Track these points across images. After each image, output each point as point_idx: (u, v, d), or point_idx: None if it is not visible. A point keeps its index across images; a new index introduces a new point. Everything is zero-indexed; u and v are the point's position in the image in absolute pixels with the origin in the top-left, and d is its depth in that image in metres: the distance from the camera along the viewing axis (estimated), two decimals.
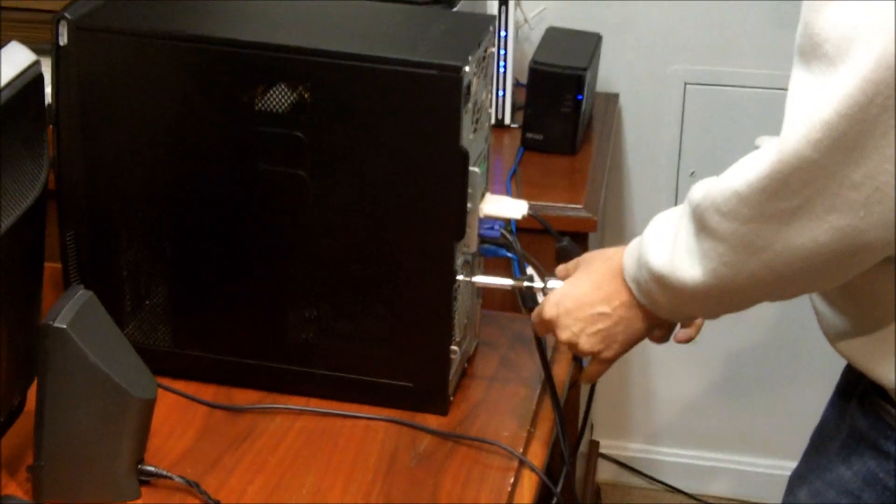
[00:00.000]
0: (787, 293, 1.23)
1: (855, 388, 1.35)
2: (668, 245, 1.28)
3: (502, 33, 2.33)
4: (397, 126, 1.41)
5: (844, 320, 1.30)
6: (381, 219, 1.45)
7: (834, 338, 1.32)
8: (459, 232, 1.45)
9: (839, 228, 1.11)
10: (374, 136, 1.42)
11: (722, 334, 2.68)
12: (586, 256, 1.46)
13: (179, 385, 1.54)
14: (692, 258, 1.24)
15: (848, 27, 1.06)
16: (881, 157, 1.07)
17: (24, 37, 2.54)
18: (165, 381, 1.52)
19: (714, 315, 1.34)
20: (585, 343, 1.41)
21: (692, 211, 1.23)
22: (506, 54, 2.34)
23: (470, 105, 1.43)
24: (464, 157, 1.41)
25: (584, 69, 2.25)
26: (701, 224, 1.21)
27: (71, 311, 1.29)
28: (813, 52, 1.09)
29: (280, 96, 1.43)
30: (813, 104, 1.08)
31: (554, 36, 2.41)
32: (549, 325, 1.44)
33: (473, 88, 1.43)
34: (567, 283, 1.44)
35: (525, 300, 1.54)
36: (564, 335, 1.42)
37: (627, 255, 1.37)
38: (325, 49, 1.42)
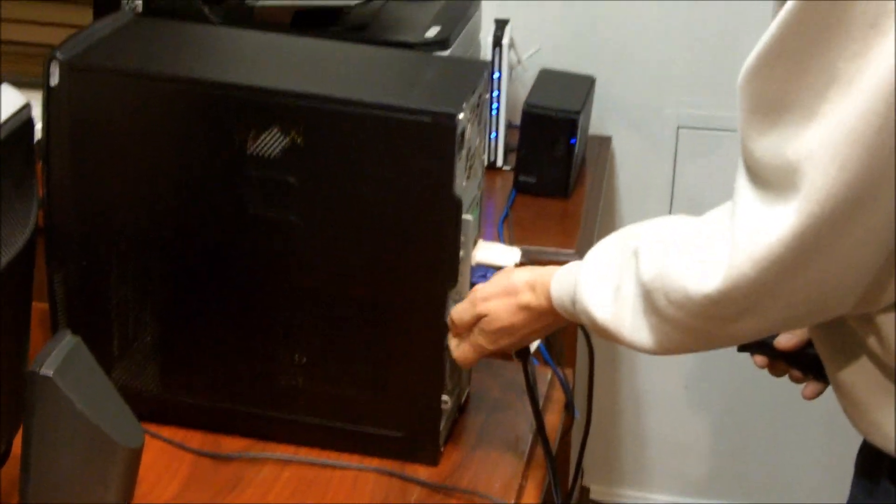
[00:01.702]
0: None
1: (879, 465, 1.30)
2: (609, 297, 1.28)
3: (495, 74, 2.33)
4: (390, 172, 1.40)
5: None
6: (372, 265, 1.44)
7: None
8: (452, 279, 1.43)
9: (783, 320, 1.17)
10: (367, 182, 1.41)
11: (716, 376, 2.67)
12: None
13: (166, 431, 1.52)
14: (638, 326, 1.25)
15: (787, 158, 1.07)
16: (825, 263, 1.09)
17: (19, 69, 2.56)
18: (152, 427, 1.50)
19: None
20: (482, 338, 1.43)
21: (641, 287, 1.23)
22: (499, 95, 2.34)
23: (464, 152, 1.42)
24: (457, 205, 1.40)
25: (578, 112, 2.24)
26: (649, 301, 1.22)
27: (57, 357, 1.27)
28: (755, 174, 1.11)
29: (272, 140, 1.42)
30: (759, 228, 1.10)
31: (547, 78, 2.40)
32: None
33: (467, 135, 1.42)
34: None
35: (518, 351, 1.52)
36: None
37: (557, 284, 1.36)
38: (319, 94, 1.41)
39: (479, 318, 1.42)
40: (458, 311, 1.44)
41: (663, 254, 1.21)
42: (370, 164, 1.40)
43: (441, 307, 1.44)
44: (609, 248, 1.33)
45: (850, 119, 1.03)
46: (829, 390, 1.33)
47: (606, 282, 1.29)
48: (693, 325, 1.19)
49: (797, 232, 1.07)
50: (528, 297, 1.38)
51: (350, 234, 1.43)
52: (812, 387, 1.44)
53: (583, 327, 1.39)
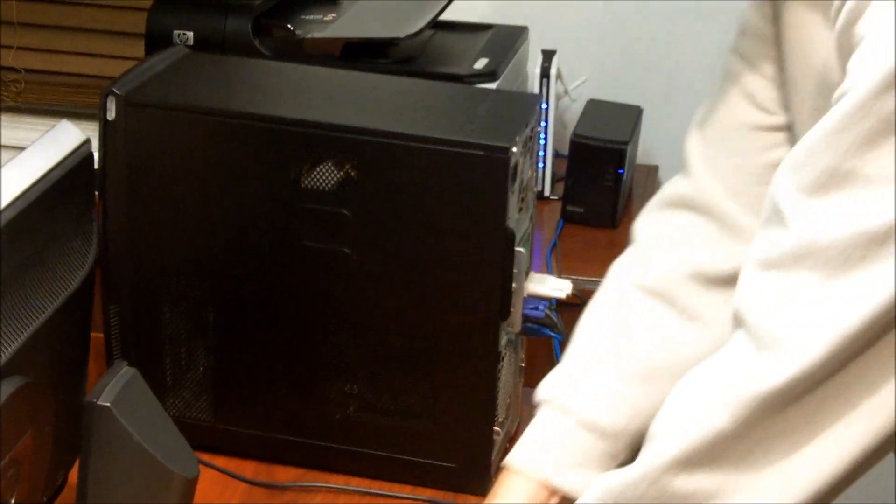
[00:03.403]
0: None
1: None
2: None
3: (543, 105, 2.34)
4: (443, 205, 1.41)
5: None
6: (425, 296, 1.45)
7: None
8: (504, 312, 1.44)
9: None
10: (420, 215, 1.42)
11: None
12: None
13: (219, 460, 1.53)
14: None
15: (773, 312, 1.06)
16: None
17: (73, 101, 2.59)
18: (205, 457, 1.51)
19: None
20: None
21: None
22: (546, 126, 2.35)
23: (516, 185, 1.43)
24: (510, 238, 1.41)
25: (626, 143, 2.25)
26: None
27: (115, 388, 1.28)
28: (739, 322, 1.10)
29: (327, 173, 1.44)
30: (739, 382, 1.08)
31: (595, 108, 2.41)
32: None
33: (520, 168, 1.43)
34: None
35: None
36: None
37: None
38: (373, 128, 1.42)
39: None
40: None
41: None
42: (423, 197, 1.41)
43: (493, 339, 1.45)
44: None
45: None
46: None
47: None
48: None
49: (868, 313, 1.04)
50: None
51: (403, 265, 1.44)
52: None
53: None
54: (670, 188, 1.47)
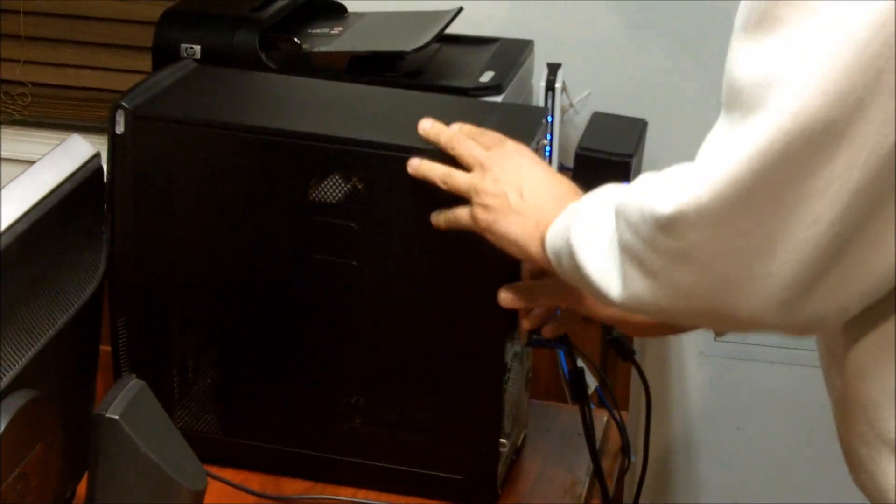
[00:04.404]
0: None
1: None
2: (592, 241, 1.21)
3: (548, 118, 2.34)
4: None
5: None
6: (433, 309, 1.46)
7: None
8: (511, 326, 1.45)
9: (723, 276, 1.06)
10: (428, 227, 1.42)
11: (768, 418, 2.66)
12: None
13: (227, 473, 1.54)
14: (606, 267, 1.17)
15: (764, 72, 1.00)
16: (773, 208, 1.02)
17: (81, 114, 2.60)
18: (212, 469, 1.51)
19: None
20: (487, 197, 1.35)
21: (613, 219, 1.16)
22: (551, 139, 2.35)
23: None
24: None
25: (631, 155, 2.25)
26: (617, 234, 1.14)
27: (123, 401, 1.29)
28: (734, 101, 1.04)
29: (334, 186, 1.44)
30: (725, 152, 1.02)
31: (600, 121, 2.42)
32: (479, 158, 1.37)
33: None
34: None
35: (575, 388, 1.53)
36: (485, 176, 1.35)
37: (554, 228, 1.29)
38: (382, 141, 1.42)
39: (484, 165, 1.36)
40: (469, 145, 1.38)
41: (638, 182, 1.15)
42: (432, 210, 1.41)
43: (500, 353, 1.46)
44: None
45: (821, 33, 0.97)
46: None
47: (596, 218, 1.22)
48: (646, 260, 1.10)
49: (756, 152, 0.99)
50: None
51: (411, 278, 1.45)
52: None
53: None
54: None
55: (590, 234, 1.21)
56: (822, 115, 0.98)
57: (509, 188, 1.34)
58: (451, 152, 1.38)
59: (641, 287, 1.12)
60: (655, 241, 1.08)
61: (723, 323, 1.15)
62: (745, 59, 1.02)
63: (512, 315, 1.44)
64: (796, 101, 0.98)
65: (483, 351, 1.46)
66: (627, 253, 1.12)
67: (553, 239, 1.28)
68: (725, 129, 1.04)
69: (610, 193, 1.25)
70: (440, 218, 1.40)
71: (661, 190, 1.08)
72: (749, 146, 1.00)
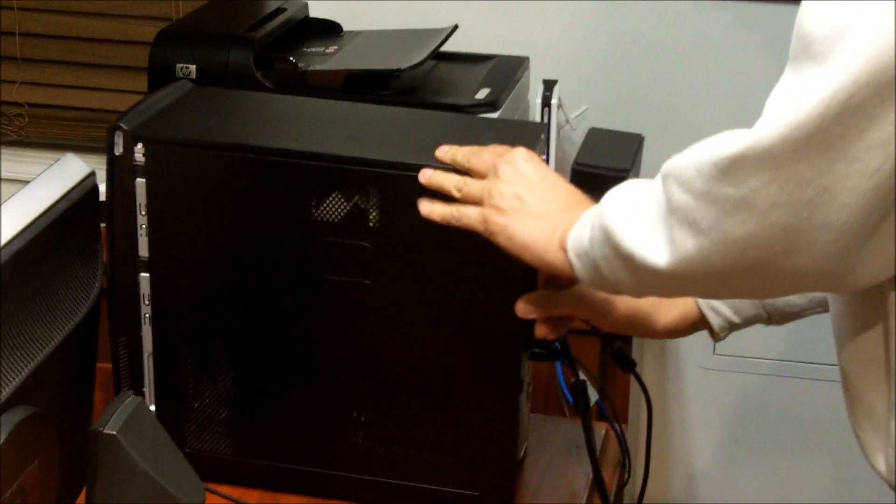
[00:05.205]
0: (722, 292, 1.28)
1: None
2: (628, 211, 1.22)
3: (544, 134, 2.35)
4: (461, 233, 1.39)
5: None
6: (448, 325, 1.46)
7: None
8: (528, 341, 1.45)
9: (779, 226, 1.07)
10: (438, 245, 1.42)
11: (766, 431, 2.66)
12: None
13: (224, 488, 1.54)
14: (650, 235, 1.17)
15: (838, 23, 1.03)
16: (834, 157, 1.04)
17: (77, 134, 2.61)
18: (211, 485, 1.51)
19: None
20: (502, 199, 1.33)
21: (658, 185, 1.18)
22: (548, 155, 2.36)
23: None
24: (529, 268, 1.40)
25: (627, 170, 2.26)
26: (665, 198, 1.15)
27: (121, 417, 1.29)
28: (804, 52, 1.06)
29: (342, 206, 1.44)
30: (792, 99, 1.05)
31: (596, 137, 2.42)
32: (487, 162, 1.36)
33: None
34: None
35: (577, 400, 1.53)
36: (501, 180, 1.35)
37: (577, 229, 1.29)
38: (391, 160, 1.43)
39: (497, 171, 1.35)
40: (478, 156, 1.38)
41: (688, 149, 1.16)
42: (441, 227, 1.40)
43: (515, 371, 1.46)
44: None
45: None
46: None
47: (629, 200, 1.23)
48: (698, 218, 1.10)
49: (821, 99, 1.02)
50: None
51: (424, 296, 1.45)
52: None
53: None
54: None
55: (628, 212, 1.21)
56: (889, 67, 1.00)
57: (525, 191, 1.34)
58: (467, 165, 1.38)
59: (692, 246, 1.12)
60: (712, 192, 1.09)
61: (771, 279, 1.14)
62: (818, 11, 1.05)
63: (528, 329, 1.44)
64: (865, 52, 1.01)
65: (498, 371, 1.46)
66: (676, 214, 1.13)
67: (577, 238, 1.27)
68: (793, 79, 1.06)
69: (637, 182, 1.26)
70: (435, 210, 1.38)
71: (722, 140, 1.10)
72: (816, 94, 1.03)
